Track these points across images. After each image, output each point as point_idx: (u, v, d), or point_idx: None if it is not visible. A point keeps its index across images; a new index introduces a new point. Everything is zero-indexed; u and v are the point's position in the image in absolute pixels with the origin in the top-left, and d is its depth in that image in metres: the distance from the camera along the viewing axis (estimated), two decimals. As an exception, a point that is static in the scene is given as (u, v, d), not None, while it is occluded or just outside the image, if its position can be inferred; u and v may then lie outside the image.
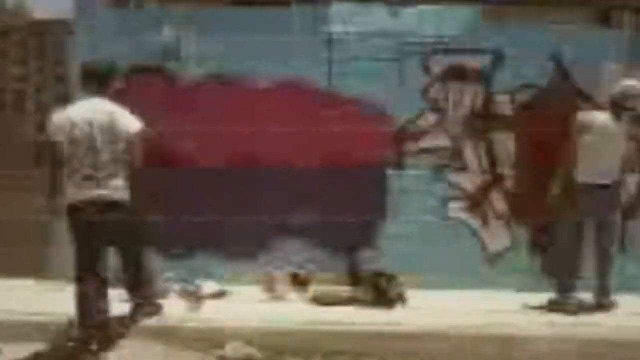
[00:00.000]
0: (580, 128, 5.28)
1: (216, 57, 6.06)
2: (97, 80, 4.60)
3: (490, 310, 5.31)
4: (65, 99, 6.07)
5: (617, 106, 5.28)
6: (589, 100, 5.98)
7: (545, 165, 5.83)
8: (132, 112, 4.63)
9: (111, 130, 4.48)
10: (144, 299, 4.92)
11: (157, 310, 4.96)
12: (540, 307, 5.39)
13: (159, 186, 5.43)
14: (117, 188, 4.52)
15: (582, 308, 5.31)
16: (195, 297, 5.29)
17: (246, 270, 5.87)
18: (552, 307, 5.35)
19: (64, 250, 5.71)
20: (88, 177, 4.46)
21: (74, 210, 4.50)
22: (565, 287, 5.37)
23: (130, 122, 4.56)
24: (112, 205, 4.49)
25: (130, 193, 4.57)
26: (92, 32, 6.06)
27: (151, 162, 4.85)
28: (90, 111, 4.50)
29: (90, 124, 4.46)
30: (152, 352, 4.62)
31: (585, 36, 6.03)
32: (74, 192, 4.49)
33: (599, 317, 5.22)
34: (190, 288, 5.38)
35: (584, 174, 5.25)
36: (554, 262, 5.56)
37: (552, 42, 6.01)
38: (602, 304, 5.35)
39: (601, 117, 5.29)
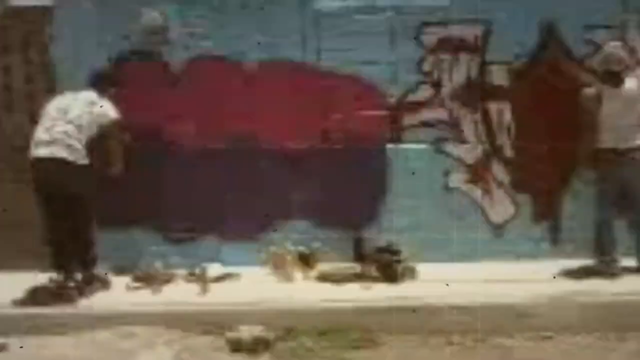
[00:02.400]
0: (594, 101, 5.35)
1: (200, 38, 5.94)
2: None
3: (498, 280, 5.30)
4: (52, 88, 5.93)
5: (604, 73, 5.39)
6: (582, 65, 6.00)
7: (543, 133, 5.91)
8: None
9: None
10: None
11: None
12: (577, 273, 5.38)
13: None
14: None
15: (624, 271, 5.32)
16: (202, 281, 5.20)
17: (252, 252, 5.79)
18: (591, 272, 5.34)
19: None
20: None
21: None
22: (605, 252, 5.36)
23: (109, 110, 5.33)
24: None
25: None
26: (74, 16, 5.89)
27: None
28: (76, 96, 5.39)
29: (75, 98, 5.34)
30: (163, 337, 4.55)
31: (576, 1, 6.01)
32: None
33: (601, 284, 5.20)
34: (197, 272, 5.28)
35: (607, 141, 5.32)
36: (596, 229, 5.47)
37: (544, 9, 5.98)
38: None
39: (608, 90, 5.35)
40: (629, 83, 5.40)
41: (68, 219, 5.13)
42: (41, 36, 6.01)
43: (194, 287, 5.22)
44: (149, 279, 5.30)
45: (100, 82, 5.55)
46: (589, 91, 5.46)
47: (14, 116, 5.99)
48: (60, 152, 5.10)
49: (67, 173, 5.11)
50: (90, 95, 5.36)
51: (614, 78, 5.37)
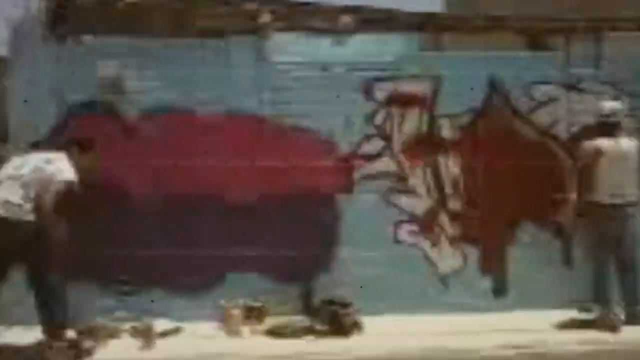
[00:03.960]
0: (592, 154, 5.57)
1: (156, 91, 5.98)
2: None
3: (446, 332, 5.38)
4: (3, 138, 5.92)
5: (606, 124, 5.64)
6: (524, 120, 6.21)
7: (489, 186, 6.04)
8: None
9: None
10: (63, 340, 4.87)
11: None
12: (573, 325, 5.55)
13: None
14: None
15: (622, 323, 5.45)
16: (147, 335, 5.14)
17: (199, 306, 5.75)
18: (593, 324, 5.48)
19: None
20: None
21: None
22: (606, 304, 5.49)
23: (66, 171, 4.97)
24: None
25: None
26: (29, 68, 5.90)
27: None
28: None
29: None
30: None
31: (519, 60, 6.26)
32: None
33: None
34: (142, 326, 5.22)
35: (600, 196, 5.52)
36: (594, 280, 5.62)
37: (489, 66, 6.20)
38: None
39: (607, 143, 5.58)
40: (625, 141, 5.64)
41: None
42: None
43: (138, 342, 5.14)
44: (92, 333, 5.17)
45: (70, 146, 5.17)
46: (588, 144, 5.64)
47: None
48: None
49: (7, 231, 4.77)
50: (51, 155, 5.06)
51: (610, 130, 5.61)
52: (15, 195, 4.83)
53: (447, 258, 6.10)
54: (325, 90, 6.13)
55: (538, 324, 5.54)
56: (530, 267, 6.08)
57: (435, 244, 6.12)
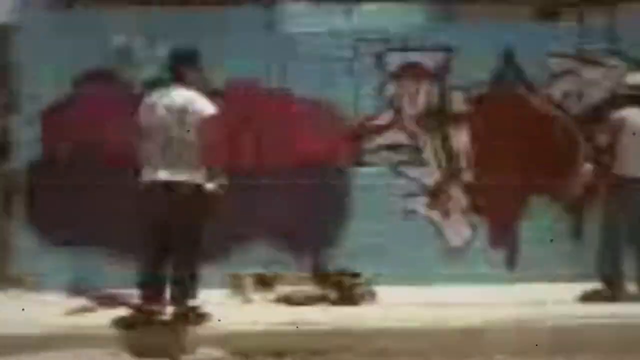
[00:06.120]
0: (616, 126, 5.45)
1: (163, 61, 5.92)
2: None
3: (454, 303, 5.37)
4: (7, 106, 5.90)
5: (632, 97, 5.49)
6: (537, 93, 6.17)
7: (500, 158, 6.01)
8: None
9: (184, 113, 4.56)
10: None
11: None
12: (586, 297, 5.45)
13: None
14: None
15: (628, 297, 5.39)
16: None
17: (211, 274, 5.74)
18: (597, 296, 5.41)
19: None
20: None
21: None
22: (610, 277, 5.45)
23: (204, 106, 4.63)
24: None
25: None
26: (35, 35, 5.85)
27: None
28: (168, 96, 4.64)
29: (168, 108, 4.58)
30: (118, 360, 4.49)
31: (533, 30, 6.20)
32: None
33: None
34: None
35: (622, 169, 5.43)
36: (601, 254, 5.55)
37: (502, 37, 6.14)
38: None
39: (633, 114, 5.45)
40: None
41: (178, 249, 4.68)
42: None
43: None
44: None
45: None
46: (615, 116, 5.52)
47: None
48: (182, 175, 4.55)
49: (188, 197, 4.55)
50: (186, 96, 4.62)
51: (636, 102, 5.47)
52: (192, 156, 4.56)
53: (458, 229, 6.10)
54: (337, 61, 6.07)
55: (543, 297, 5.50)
56: (540, 240, 6.07)
57: (445, 215, 6.12)
